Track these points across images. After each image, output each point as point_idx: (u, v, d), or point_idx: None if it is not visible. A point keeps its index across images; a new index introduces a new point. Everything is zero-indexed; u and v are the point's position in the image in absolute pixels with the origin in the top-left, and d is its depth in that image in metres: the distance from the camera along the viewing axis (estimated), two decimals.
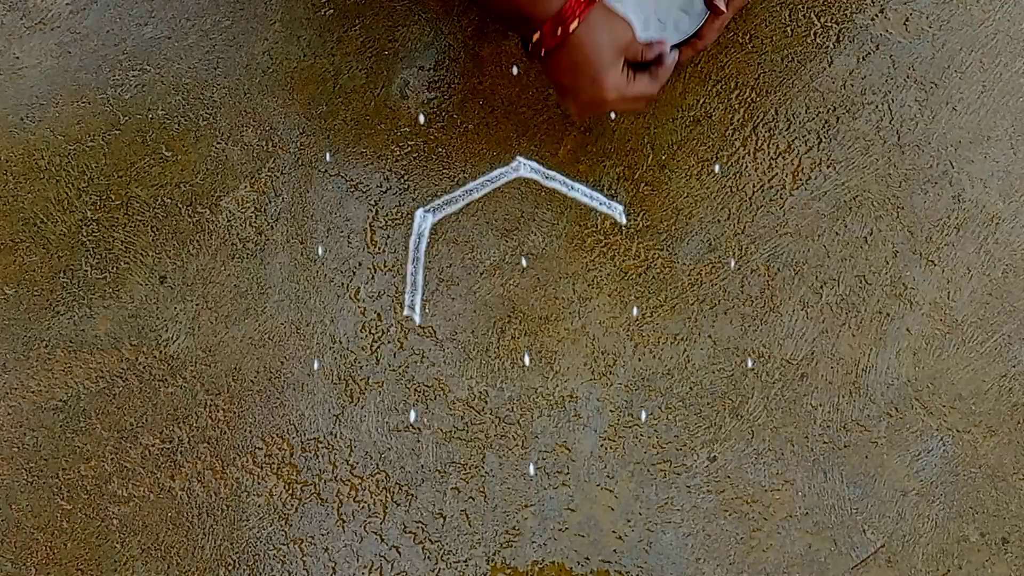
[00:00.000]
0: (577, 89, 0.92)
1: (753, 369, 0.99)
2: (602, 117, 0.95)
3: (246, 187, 1.07)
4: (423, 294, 1.03)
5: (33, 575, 0.98)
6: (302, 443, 1.00)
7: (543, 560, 0.96)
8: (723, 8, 0.94)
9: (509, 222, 1.04)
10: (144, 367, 1.02)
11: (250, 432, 1.01)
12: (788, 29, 1.07)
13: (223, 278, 1.05)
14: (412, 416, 1.00)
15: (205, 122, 1.09)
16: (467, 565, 0.97)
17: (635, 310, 1.01)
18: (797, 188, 1.03)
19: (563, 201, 1.04)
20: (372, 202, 1.06)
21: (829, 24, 1.07)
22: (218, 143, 1.08)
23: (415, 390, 1.01)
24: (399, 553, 0.97)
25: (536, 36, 0.91)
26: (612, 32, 0.91)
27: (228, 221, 1.06)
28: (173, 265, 1.05)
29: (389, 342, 1.02)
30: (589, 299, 1.02)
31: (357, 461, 0.99)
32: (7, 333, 1.04)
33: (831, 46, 1.06)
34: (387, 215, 1.05)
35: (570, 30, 0.89)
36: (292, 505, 0.99)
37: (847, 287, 1.00)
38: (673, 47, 0.98)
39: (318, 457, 1.00)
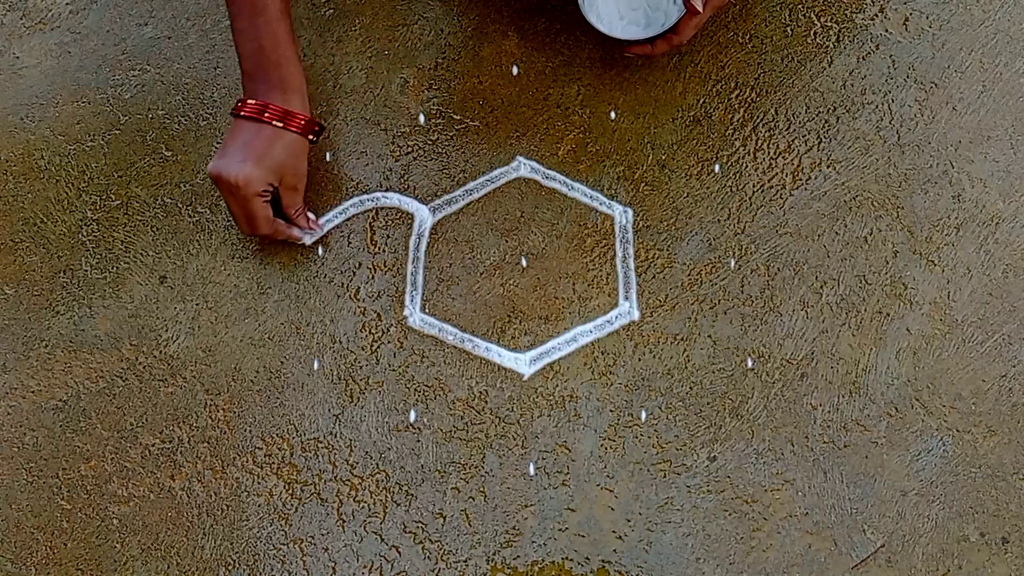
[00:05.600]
0: (230, 153, 0.97)
1: (753, 369, 0.99)
2: (222, 192, 0.98)
3: None
4: (423, 294, 1.03)
5: (33, 575, 0.98)
6: (302, 443, 1.00)
7: (543, 560, 0.96)
8: (699, 8, 0.94)
9: (509, 222, 1.04)
10: (144, 367, 1.02)
11: (250, 432, 1.01)
12: (788, 29, 1.07)
13: (223, 278, 1.05)
14: (412, 416, 1.00)
15: (205, 122, 1.09)
16: (467, 565, 0.97)
17: (635, 310, 1.01)
18: (797, 188, 1.03)
19: (563, 201, 1.05)
20: (372, 202, 1.06)
21: (829, 24, 1.07)
22: (218, 143, 1.08)
23: (415, 390, 1.01)
24: (399, 553, 0.97)
25: (250, 100, 0.97)
26: (292, 161, 0.98)
27: (228, 221, 1.06)
28: (173, 265, 1.05)
29: (389, 342, 1.02)
30: (589, 299, 1.02)
31: (357, 461, 0.99)
32: (7, 333, 1.04)
33: (831, 46, 1.06)
34: (387, 215, 1.05)
35: (268, 120, 0.96)
36: (292, 505, 0.99)
37: (847, 287, 1.00)
38: (651, 39, 0.99)
39: (318, 457, 1.00)
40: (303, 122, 0.98)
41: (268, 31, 0.96)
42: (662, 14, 1.00)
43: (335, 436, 1.00)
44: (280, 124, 0.97)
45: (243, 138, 0.97)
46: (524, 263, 1.03)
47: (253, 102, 0.97)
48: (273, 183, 0.98)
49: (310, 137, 1.00)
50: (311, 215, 1.03)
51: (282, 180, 0.98)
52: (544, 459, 0.99)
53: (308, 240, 1.03)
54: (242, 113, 0.97)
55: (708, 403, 0.99)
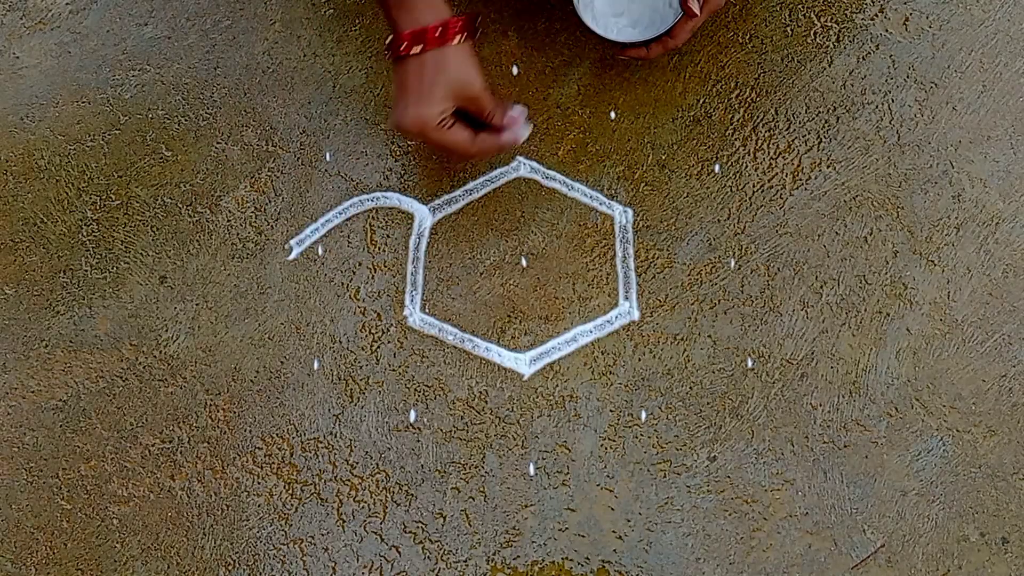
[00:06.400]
0: (398, 103, 0.94)
1: (753, 369, 0.99)
2: (412, 140, 0.97)
3: (246, 187, 1.07)
4: (423, 294, 1.03)
5: (33, 575, 0.98)
6: (302, 443, 1.00)
7: (543, 560, 0.96)
8: (696, 11, 0.94)
9: (509, 222, 1.04)
10: (144, 367, 1.02)
11: (250, 432, 1.01)
12: (788, 29, 1.07)
13: (223, 278, 1.05)
14: (412, 416, 1.00)
15: (205, 122, 1.09)
16: (467, 565, 0.97)
17: (635, 310, 1.01)
18: (797, 188, 1.03)
19: (563, 201, 1.05)
20: (372, 202, 1.06)
21: (829, 24, 1.07)
22: (218, 143, 1.08)
23: (415, 390, 1.01)
24: (399, 553, 0.97)
25: (390, 39, 0.94)
26: (454, 75, 0.93)
27: (228, 221, 1.06)
28: (173, 265, 1.05)
29: (389, 342, 1.02)
30: (589, 299, 1.02)
31: (357, 461, 0.99)
32: (7, 333, 1.04)
33: (831, 46, 1.06)
34: (387, 215, 1.05)
35: (410, 52, 0.93)
36: (292, 505, 0.99)
37: (847, 287, 1.01)
38: (646, 42, 0.99)
39: (318, 457, 1.00)
40: (459, 24, 0.93)
41: None
42: (658, 16, 1.00)
43: (335, 436, 1.00)
44: (419, 48, 0.92)
45: (404, 81, 0.93)
46: (524, 263, 1.03)
47: (391, 40, 0.93)
48: (448, 107, 0.93)
49: (467, 39, 0.94)
50: (511, 108, 0.98)
51: (457, 97, 0.93)
52: (544, 459, 0.99)
53: (524, 134, 0.98)
54: (392, 57, 0.94)
55: (708, 403, 0.99)
